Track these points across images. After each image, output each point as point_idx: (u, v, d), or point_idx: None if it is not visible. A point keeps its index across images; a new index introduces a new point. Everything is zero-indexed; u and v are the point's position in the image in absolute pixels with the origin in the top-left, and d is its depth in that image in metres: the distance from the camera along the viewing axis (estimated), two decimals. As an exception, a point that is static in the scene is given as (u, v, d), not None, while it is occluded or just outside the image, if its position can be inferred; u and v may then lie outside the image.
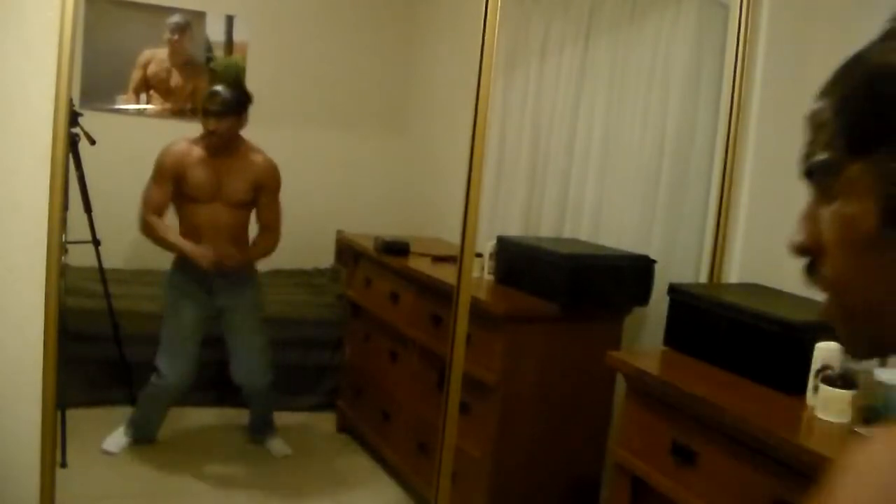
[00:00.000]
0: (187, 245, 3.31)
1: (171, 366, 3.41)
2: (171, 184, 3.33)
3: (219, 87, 3.34)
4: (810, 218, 0.63)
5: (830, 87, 0.61)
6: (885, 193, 0.55)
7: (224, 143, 3.32)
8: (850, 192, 0.58)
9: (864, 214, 0.57)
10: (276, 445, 3.75)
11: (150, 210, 3.33)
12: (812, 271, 0.64)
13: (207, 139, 3.31)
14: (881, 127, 0.56)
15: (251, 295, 3.52)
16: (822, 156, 0.61)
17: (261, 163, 3.40)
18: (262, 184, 3.40)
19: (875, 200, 0.56)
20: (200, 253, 3.28)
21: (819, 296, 0.64)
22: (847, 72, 0.60)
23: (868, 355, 0.63)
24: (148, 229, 3.34)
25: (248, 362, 3.51)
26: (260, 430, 3.79)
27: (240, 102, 3.32)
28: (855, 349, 0.63)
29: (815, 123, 0.62)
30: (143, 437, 3.60)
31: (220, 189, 3.35)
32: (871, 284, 0.58)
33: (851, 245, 0.59)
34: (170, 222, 3.40)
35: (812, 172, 0.62)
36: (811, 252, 0.63)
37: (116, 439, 3.55)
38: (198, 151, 3.33)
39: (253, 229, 3.52)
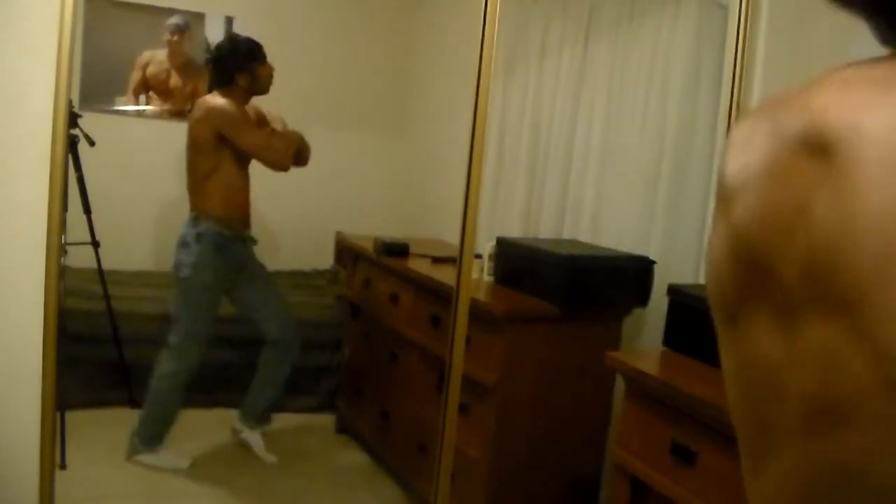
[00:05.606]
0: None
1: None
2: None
3: (240, 38, 3.46)
4: None
5: None
6: None
7: None
8: None
9: None
10: (258, 441, 3.59)
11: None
12: None
13: (259, 94, 3.46)
14: None
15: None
16: None
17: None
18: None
19: None
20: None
21: None
22: None
23: None
24: (288, 152, 3.47)
25: (280, 312, 3.57)
26: (255, 411, 3.60)
27: None
28: None
29: None
30: (155, 438, 3.43)
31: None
32: None
33: None
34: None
35: None
36: None
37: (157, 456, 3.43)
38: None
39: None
